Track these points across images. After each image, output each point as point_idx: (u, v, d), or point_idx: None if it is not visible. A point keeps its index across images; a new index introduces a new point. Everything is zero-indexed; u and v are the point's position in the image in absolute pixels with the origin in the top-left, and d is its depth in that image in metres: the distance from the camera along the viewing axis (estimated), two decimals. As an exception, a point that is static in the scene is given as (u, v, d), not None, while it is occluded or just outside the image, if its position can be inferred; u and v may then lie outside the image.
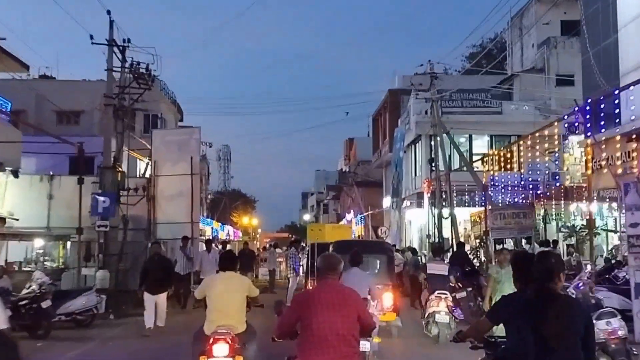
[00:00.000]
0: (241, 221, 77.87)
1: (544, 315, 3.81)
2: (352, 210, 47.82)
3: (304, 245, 24.26)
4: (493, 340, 4.98)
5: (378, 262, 12.92)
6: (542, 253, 4.46)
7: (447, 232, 28.04)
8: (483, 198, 20.69)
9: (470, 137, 31.95)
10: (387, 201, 41.26)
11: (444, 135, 28.90)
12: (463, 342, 4.83)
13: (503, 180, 27.03)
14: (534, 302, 3.92)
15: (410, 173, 33.76)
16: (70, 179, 19.46)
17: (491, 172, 26.42)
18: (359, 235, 41.44)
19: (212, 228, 45.18)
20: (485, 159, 29.12)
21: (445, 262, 15.02)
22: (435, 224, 22.98)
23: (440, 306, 11.50)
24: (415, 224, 35.27)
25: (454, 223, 21.03)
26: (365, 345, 7.26)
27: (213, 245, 19.92)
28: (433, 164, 24.09)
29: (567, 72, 31.44)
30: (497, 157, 29.30)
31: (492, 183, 31.24)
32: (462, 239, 24.25)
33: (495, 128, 31.25)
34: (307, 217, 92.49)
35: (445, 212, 23.67)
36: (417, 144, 32.87)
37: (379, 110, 41.35)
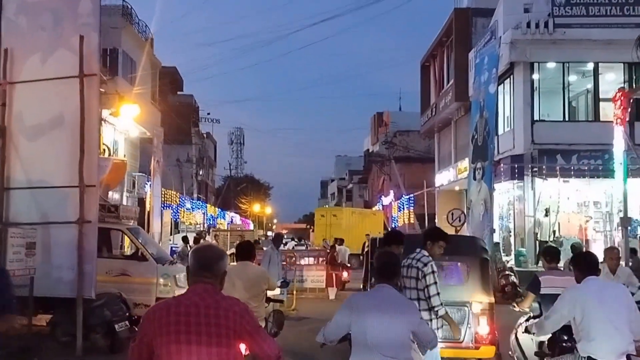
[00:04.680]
0: (252, 209, 66.62)
1: None
2: (391, 192, 36.13)
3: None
4: None
5: (466, 268, 7.60)
6: None
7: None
8: None
9: (596, 67, 20.09)
10: (442, 177, 29.54)
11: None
12: None
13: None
14: None
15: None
16: None
17: None
18: (403, 223, 29.85)
19: (204, 214, 33.81)
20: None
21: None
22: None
23: None
24: (495, 204, 23.50)
25: None
26: None
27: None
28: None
29: None
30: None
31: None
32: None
33: (640, 52, 19.41)
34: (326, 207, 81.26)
35: None
36: (507, 81, 21.04)
37: (433, 49, 29.52)
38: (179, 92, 53.36)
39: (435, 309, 5.69)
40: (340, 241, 20.61)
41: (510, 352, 7.26)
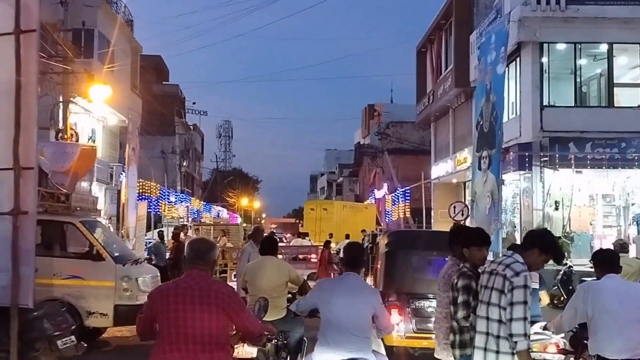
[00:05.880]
0: (239, 203, 64.81)
1: None
2: (384, 185, 34.55)
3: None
4: None
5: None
6: None
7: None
8: None
9: (611, 48, 18.56)
10: (439, 169, 27.99)
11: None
12: None
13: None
14: None
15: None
16: None
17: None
18: (398, 217, 28.30)
19: (188, 207, 32.08)
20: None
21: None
22: None
23: (548, 351, 6.13)
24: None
25: None
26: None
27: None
28: None
29: None
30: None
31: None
32: None
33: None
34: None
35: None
36: (513, 64, 19.40)
37: (430, 32, 27.92)
38: (164, 82, 51.43)
39: (514, 339, 3.94)
40: (304, 235, 19.05)
41: None
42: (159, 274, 9.85)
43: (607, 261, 4.83)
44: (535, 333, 5.83)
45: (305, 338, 6.51)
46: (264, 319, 5.70)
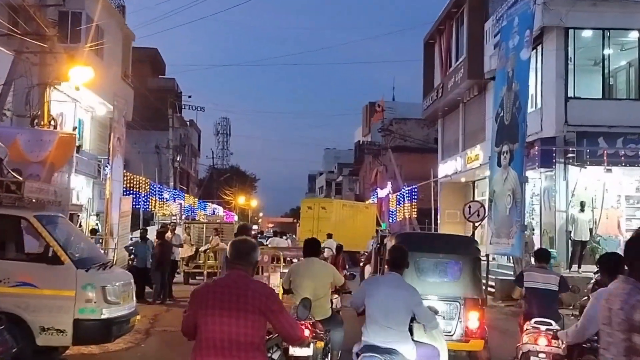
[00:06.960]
0: (236, 201, 63.26)
1: None
2: (388, 184, 32.96)
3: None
4: None
5: (459, 266, 8.40)
6: None
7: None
8: None
9: (643, 34, 17.01)
10: (447, 167, 26.40)
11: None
12: None
13: None
14: None
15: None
16: None
17: None
18: (403, 218, 26.71)
19: (181, 205, 30.46)
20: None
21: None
22: None
23: (538, 343, 6.52)
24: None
25: None
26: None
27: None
28: None
29: None
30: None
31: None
32: None
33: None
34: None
35: None
36: (536, 50, 17.74)
37: (440, 22, 26.28)
38: (160, 76, 49.76)
39: None
40: (282, 234, 16.99)
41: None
42: (132, 280, 8.25)
43: (612, 265, 4.69)
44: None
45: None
46: (316, 319, 6.00)
